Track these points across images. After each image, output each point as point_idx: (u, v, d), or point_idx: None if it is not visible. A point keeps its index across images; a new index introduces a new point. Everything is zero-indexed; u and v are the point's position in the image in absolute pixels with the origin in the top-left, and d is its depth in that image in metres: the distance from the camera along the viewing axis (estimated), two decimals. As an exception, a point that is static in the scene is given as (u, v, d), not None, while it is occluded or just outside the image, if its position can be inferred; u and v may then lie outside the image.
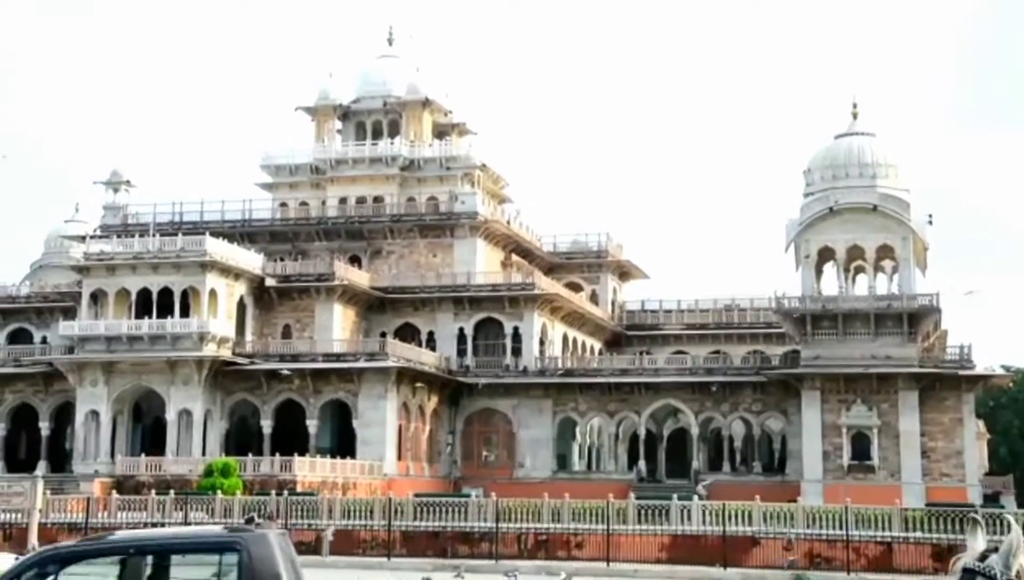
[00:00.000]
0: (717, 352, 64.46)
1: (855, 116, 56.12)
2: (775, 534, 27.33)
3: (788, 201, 69.79)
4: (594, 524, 28.99)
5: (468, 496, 36.34)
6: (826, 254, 54.63)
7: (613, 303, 70.87)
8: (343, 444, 52.07)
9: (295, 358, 53.04)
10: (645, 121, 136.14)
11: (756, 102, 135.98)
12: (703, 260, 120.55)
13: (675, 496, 30.94)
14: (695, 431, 56.92)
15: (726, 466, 56.57)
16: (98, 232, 62.13)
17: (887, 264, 55.60)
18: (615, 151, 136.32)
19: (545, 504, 30.33)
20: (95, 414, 51.50)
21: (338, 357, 53.18)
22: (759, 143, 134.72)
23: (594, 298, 69.08)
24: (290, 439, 50.63)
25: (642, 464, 56.71)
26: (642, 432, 57.14)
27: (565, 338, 63.46)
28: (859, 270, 56.66)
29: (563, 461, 58.73)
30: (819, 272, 55.43)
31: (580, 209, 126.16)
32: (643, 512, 29.14)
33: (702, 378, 56.81)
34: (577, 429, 59.18)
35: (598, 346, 67.87)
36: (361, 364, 52.26)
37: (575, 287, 67.92)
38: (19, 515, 30.00)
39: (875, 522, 27.61)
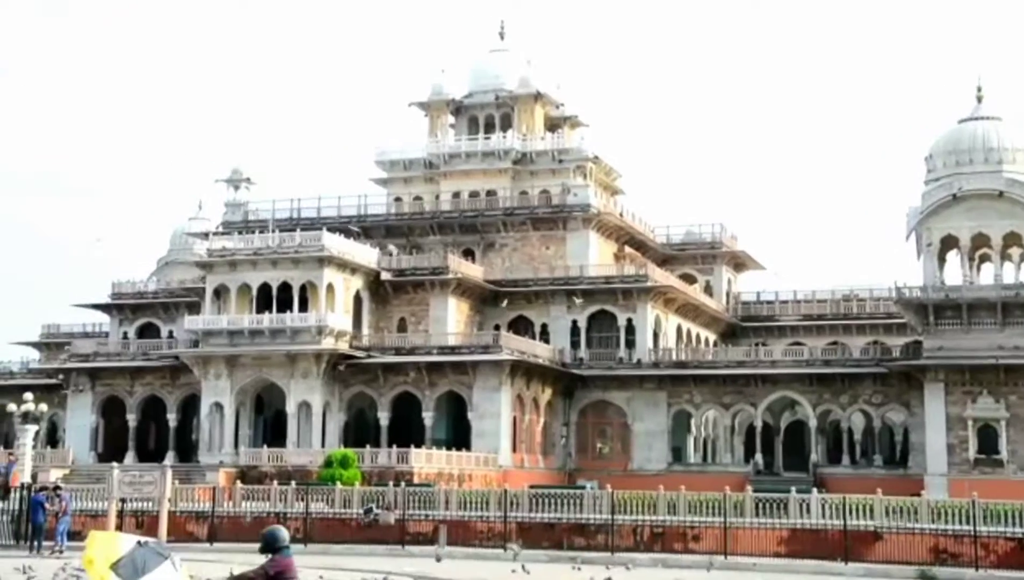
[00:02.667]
0: (835, 343, 63.29)
1: (979, 99, 54.40)
2: (898, 529, 26.71)
3: (909, 188, 68.18)
4: (711, 517, 28.67)
5: (583, 488, 36.32)
6: (949, 242, 53.13)
7: (728, 294, 70.16)
8: (458, 436, 52.57)
9: (411, 351, 53.69)
10: (760, 109, 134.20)
11: (876, 86, 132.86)
12: (820, 250, 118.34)
13: (793, 489, 30.48)
14: (813, 423, 56.01)
15: (845, 459, 55.56)
16: (220, 229, 63.75)
17: (1014, 252, 53.86)
18: (729, 140, 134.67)
19: (661, 496, 30.12)
20: (219, 406, 52.90)
21: (453, 350, 53.67)
22: (878, 129, 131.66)
23: (708, 290, 68.46)
24: (406, 431, 51.29)
25: (759, 457, 56.06)
26: (758, 424, 56.45)
27: (679, 330, 63.02)
28: (984, 258, 54.96)
29: (678, 453, 58.36)
30: (942, 261, 53.94)
31: (694, 200, 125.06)
32: (760, 505, 28.74)
33: (820, 370, 55.84)
34: (692, 421, 58.72)
35: (713, 338, 67.26)
36: (475, 357, 52.66)
37: (689, 279, 67.39)
38: (150, 503, 30.98)
39: (1006, 518, 26.75)
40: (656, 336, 59.70)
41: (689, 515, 29.08)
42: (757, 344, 63.45)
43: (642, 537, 28.96)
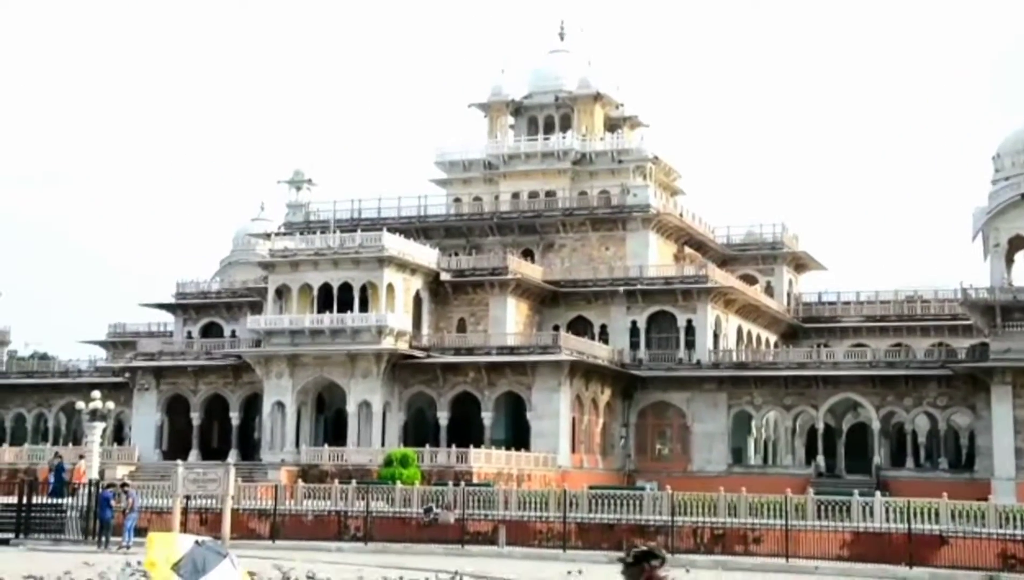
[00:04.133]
0: (899, 345, 62.48)
1: (1049, 97, 53.37)
2: (965, 533, 26.29)
3: (975, 188, 67.06)
4: (772, 519, 28.45)
5: (643, 489, 36.21)
6: (1017, 243, 52.18)
7: (789, 295, 69.54)
8: (517, 436, 52.60)
9: (470, 351, 53.82)
10: (823, 107, 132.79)
11: (944, 83, 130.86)
12: (884, 250, 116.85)
13: (856, 492, 30.15)
14: (876, 426, 55.31)
15: (909, 462, 54.78)
16: (282, 229, 64.41)
17: (1085, 253, 52.77)
18: (791, 139, 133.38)
19: (721, 498, 29.94)
20: (281, 405, 53.41)
21: (512, 350, 53.73)
22: (945, 127, 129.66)
23: (769, 290, 67.92)
24: (465, 431, 51.43)
25: (820, 459, 55.46)
26: (820, 426, 55.85)
27: (739, 331, 62.59)
28: (1053, 259, 53.89)
29: (738, 455, 57.93)
30: (1010, 262, 53.00)
31: (754, 200, 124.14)
32: (823, 508, 28.47)
33: (883, 371, 55.12)
34: (752, 423, 58.25)
35: (773, 339, 66.70)
36: (534, 357, 52.68)
37: (749, 279, 66.91)
38: (214, 501, 31.39)
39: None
40: (716, 337, 59.33)
41: (750, 517, 28.90)
42: (819, 345, 62.76)
43: (702, 539, 28.82)
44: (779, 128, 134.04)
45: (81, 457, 41.65)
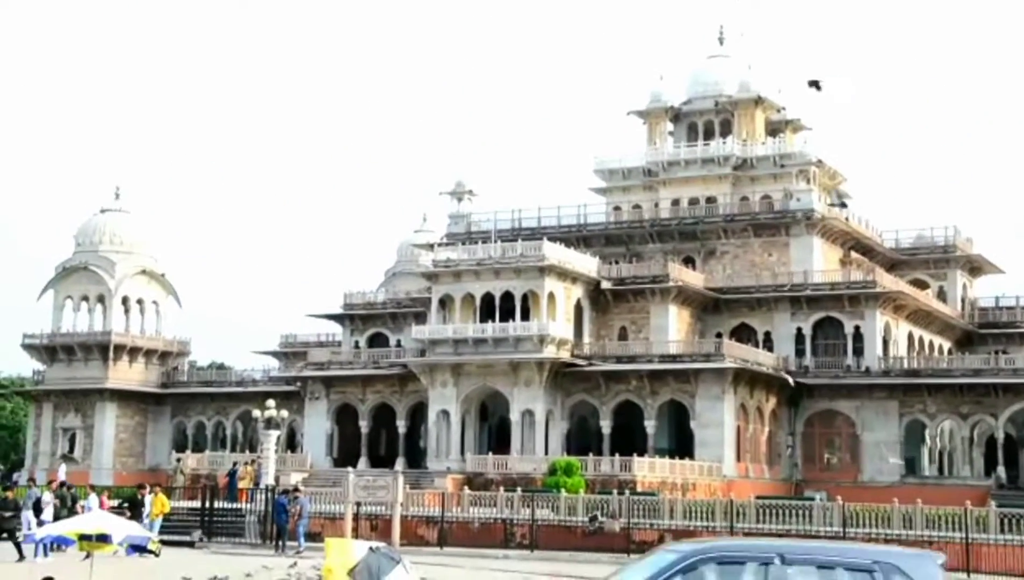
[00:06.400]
0: (1084, 351, 59.35)
1: None
2: None
3: None
4: (950, 532, 27.47)
5: (812, 500, 35.43)
6: None
7: (963, 300, 66.98)
8: (680, 445, 52.12)
9: (631, 359, 53.61)
10: (991, 105, 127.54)
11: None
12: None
13: (1041, 505, 28.87)
14: (1061, 436, 52.74)
15: (1099, 474, 52.05)
16: (444, 240, 65.37)
17: None
18: (961, 139, 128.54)
19: (895, 510, 29.07)
20: (445, 414, 54.21)
21: (674, 358, 53.28)
22: None
23: (941, 295, 65.58)
24: (628, 439, 51.23)
25: (1001, 470, 53.15)
26: (1000, 436, 53.55)
27: (910, 337, 60.61)
28: None
29: (911, 465, 56.05)
30: None
31: (924, 202, 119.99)
32: (1006, 520, 27.32)
33: (1068, 379, 52.49)
34: (926, 432, 56.30)
35: (947, 346, 64.35)
36: (697, 365, 52.12)
37: (920, 284, 64.74)
38: (383, 508, 32.13)
39: None
40: (886, 343, 57.59)
41: (926, 530, 27.96)
42: (997, 352, 60.16)
43: (876, 552, 27.99)
44: (948, 127, 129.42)
45: (247, 463, 43.30)
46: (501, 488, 35.97)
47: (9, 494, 27.59)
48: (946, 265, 66.65)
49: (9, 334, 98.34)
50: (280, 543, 30.78)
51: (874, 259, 64.08)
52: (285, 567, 23.79)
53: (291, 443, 61.94)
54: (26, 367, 73.95)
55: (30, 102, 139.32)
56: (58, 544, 23.89)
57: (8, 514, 26.56)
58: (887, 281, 58.19)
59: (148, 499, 32.14)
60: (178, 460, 52.16)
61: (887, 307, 57.72)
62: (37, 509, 28.80)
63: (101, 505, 29.47)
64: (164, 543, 26.83)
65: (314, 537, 30.96)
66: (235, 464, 45.22)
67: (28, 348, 68.22)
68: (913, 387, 55.04)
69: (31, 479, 39.21)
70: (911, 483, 51.75)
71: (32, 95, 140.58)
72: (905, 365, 56.48)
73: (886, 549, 8.70)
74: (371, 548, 11.22)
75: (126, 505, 32.27)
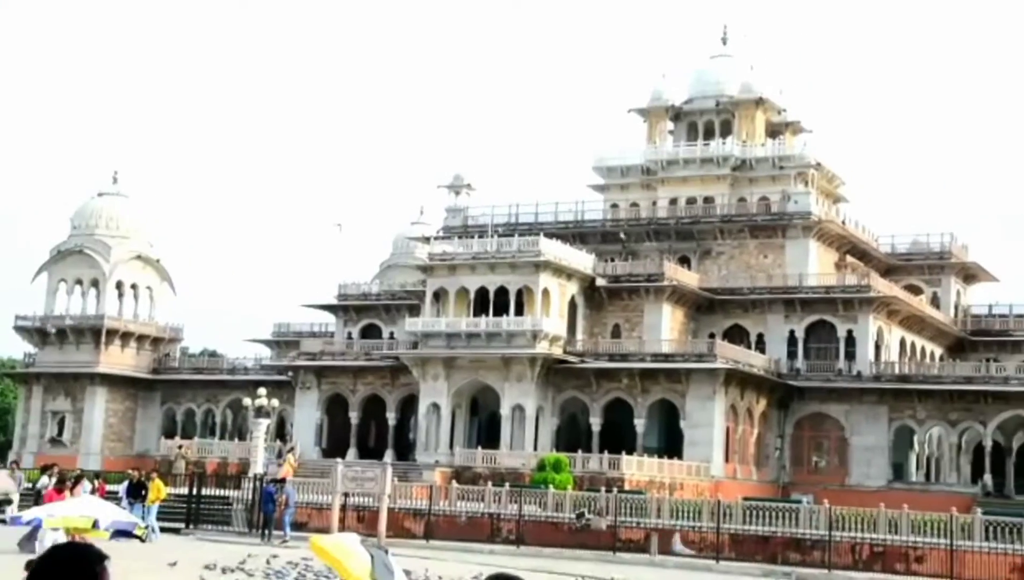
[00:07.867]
0: (1075, 361, 59.39)
1: None
2: None
3: None
4: (935, 538, 27.52)
5: (799, 502, 35.48)
6: None
7: (956, 307, 67.03)
8: (669, 444, 52.13)
9: (624, 357, 53.62)
10: (991, 113, 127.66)
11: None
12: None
13: (1027, 514, 28.92)
14: (1049, 445, 52.79)
15: (1087, 484, 52.11)
16: (440, 233, 65.35)
17: None
18: (959, 146, 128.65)
19: (881, 514, 29.11)
20: (436, 407, 54.19)
21: (666, 357, 53.31)
22: None
23: (935, 301, 65.63)
24: (617, 437, 51.24)
25: (988, 478, 53.22)
26: (988, 444, 53.63)
27: (902, 343, 60.66)
28: None
29: (899, 470, 56.12)
30: None
31: (921, 208, 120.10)
32: (991, 528, 27.37)
33: (1058, 388, 52.54)
34: (915, 438, 56.35)
35: (939, 352, 64.40)
36: (689, 365, 52.15)
37: (914, 290, 64.77)
38: (370, 499, 32.07)
39: None
40: (878, 348, 57.64)
41: (912, 535, 28.01)
42: (988, 359, 60.23)
43: (861, 555, 28.08)
44: (947, 133, 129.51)
45: (289, 451, 42.99)
46: (489, 483, 35.94)
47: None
48: (941, 271, 66.70)
49: (2, 316, 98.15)
50: (266, 532, 30.77)
51: (869, 264, 64.11)
52: (267, 555, 23.73)
53: (281, 433, 61.90)
54: (17, 349, 73.84)
55: (29, 87, 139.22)
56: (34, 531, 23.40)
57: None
58: (881, 286, 58.24)
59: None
60: (179, 447, 51.95)
61: (880, 312, 57.78)
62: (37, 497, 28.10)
63: (100, 491, 29.20)
64: (152, 530, 26.64)
65: (300, 527, 30.99)
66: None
67: (20, 330, 68.02)
68: (903, 392, 55.11)
69: (15, 462, 38.97)
70: (898, 488, 51.84)
71: (31, 80, 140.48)
72: (896, 370, 56.53)
73: None
74: (375, 548, 11.13)
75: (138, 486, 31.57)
